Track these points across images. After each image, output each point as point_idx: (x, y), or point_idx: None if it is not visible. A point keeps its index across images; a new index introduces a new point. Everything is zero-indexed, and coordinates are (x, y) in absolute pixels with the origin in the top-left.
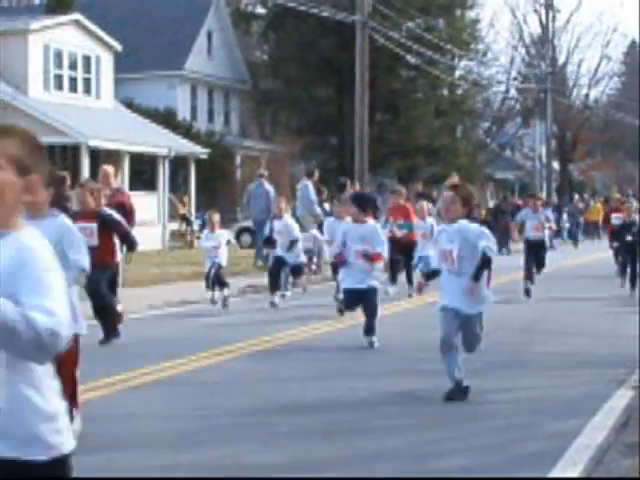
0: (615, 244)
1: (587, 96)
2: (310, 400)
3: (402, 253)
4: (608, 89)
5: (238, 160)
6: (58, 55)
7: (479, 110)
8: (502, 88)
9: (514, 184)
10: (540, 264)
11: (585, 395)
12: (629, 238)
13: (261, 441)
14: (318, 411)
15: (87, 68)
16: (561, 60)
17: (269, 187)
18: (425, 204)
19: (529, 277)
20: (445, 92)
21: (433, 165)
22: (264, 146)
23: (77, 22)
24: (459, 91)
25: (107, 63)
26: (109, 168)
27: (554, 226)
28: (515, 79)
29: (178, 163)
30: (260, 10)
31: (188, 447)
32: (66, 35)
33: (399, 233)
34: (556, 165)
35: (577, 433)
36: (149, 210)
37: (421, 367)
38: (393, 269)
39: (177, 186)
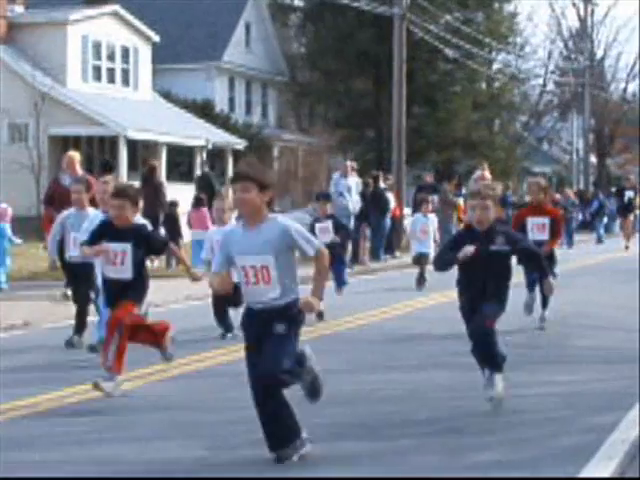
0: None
1: (625, 90)
2: (349, 392)
3: None
4: None
5: (276, 152)
6: (96, 46)
7: (517, 103)
8: (540, 82)
9: (551, 178)
10: None
11: (619, 390)
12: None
13: None
14: (357, 403)
15: (125, 59)
16: (599, 54)
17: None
18: (226, 203)
19: None
20: (483, 85)
21: (470, 158)
22: (301, 138)
23: (116, 13)
24: (497, 84)
25: (145, 54)
26: (75, 154)
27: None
28: (553, 72)
29: (215, 155)
30: (298, 2)
31: (224, 439)
32: (104, 26)
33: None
34: (593, 159)
35: (612, 428)
36: (186, 201)
37: (458, 360)
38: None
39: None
